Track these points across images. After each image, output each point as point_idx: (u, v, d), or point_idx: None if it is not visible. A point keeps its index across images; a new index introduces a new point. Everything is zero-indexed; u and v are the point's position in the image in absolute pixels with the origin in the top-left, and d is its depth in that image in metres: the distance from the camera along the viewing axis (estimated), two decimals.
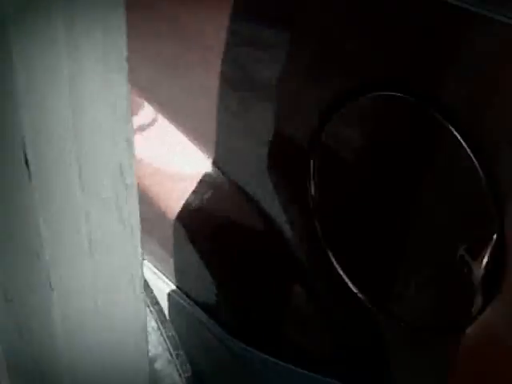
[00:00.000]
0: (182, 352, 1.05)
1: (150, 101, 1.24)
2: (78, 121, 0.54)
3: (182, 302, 1.23)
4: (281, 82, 1.03)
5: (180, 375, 1.03)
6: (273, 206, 1.09)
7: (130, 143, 0.58)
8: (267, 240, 1.12)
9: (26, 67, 0.50)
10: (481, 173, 0.85)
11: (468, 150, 0.86)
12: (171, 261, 1.24)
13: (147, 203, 1.19)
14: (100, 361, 0.67)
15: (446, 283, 0.95)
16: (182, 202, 1.19)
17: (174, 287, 1.26)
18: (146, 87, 1.21)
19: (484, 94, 0.86)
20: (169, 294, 1.26)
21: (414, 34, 0.89)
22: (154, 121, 1.25)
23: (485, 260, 0.88)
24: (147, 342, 0.70)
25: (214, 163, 1.16)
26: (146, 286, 1.05)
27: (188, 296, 1.21)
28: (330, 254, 1.00)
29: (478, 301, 0.90)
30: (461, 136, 0.86)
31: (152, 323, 1.05)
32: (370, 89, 0.92)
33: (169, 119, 1.23)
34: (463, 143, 0.86)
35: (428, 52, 0.88)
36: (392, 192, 0.95)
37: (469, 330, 0.94)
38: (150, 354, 0.76)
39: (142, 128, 1.25)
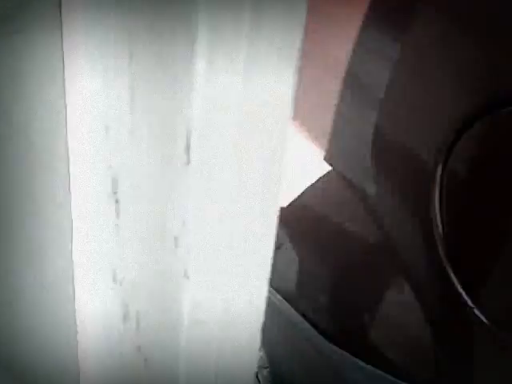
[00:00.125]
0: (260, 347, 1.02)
1: None
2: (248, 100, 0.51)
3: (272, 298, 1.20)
4: (408, 96, 1.00)
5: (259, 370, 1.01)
6: (392, 218, 1.05)
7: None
8: (379, 249, 1.08)
9: (208, 46, 0.48)
10: None
11: None
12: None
13: None
14: (214, 354, 0.64)
15: None
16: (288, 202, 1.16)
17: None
18: None
19: None
20: None
21: None
22: None
23: None
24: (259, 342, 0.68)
25: (330, 165, 1.13)
26: None
27: (277, 291, 1.18)
28: (450, 271, 0.96)
29: None
30: None
31: None
32: (501, 105, 0.88)
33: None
34: None
35: None
36: None
37: None
38: None
39: None
